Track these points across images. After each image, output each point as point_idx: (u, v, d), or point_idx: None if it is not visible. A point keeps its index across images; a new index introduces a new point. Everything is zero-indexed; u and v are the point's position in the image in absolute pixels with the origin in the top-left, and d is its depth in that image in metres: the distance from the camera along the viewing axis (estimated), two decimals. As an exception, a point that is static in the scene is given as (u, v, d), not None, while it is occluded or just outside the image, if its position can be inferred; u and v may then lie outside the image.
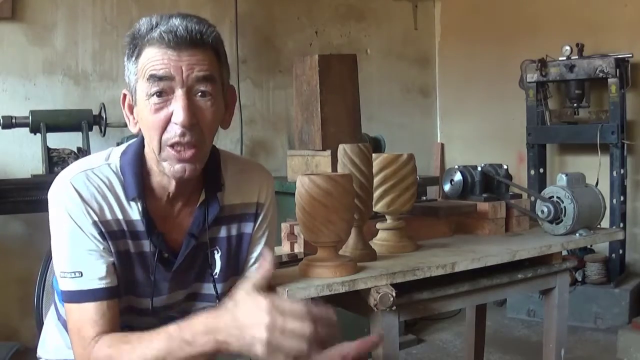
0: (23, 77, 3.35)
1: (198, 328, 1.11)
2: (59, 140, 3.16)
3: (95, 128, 3.25)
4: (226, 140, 3.95)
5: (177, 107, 1.19)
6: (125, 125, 1.40)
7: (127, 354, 1.16)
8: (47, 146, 3.06)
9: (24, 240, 3.17)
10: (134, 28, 1.23)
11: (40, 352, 1.48)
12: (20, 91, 3.34)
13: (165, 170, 1.24)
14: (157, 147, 1.23)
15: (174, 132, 1.20)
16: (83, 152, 3.11)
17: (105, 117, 3.22)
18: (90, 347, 1.21)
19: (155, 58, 1.19)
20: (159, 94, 1.20)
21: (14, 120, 3.07)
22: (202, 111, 1.22)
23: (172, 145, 1.21)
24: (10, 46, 3.31)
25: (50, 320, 1.47)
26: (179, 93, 1.19)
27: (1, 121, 3.04)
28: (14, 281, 3.19)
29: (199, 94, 1.21)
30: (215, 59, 1.24)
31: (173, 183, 1.29)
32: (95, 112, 3.24)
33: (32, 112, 3.10)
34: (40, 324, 1.61)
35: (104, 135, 3.26)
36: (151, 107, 1.20)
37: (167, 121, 1.20)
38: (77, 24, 3.49)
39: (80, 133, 3.16)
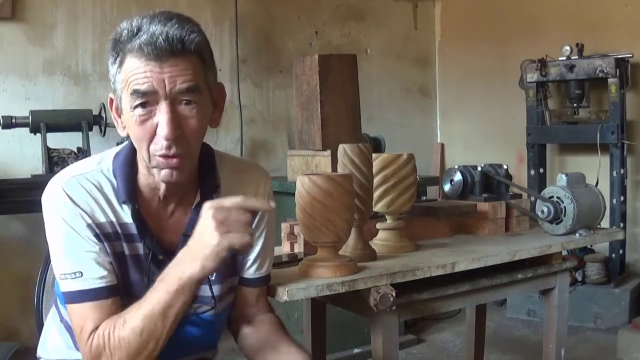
0: (23, 77, 3.35)
1: (169, 265, 1.21)
2: (59, 140, 3.16)
3: (95, 128, 3.24)
4: (226, 140, 3.95)
5: (162, 120, 1.19)
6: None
7: (128, 320, 1.21)
8: (47, 146, 3.05)
9: (24, 240, 3.17)
10: (116, 32, 1.22)
11: (40, 352, 1.48)
12: (20, 91, 3.34)
13: (155, 177, 1.26)
14: (146, 157, 1.24)
15: (160, 144, 1.21)
16: (83, 152, 3.11)
17: (105, 117, 3.22)
18: (90, 340, 1.22)
19: (137, 71, 1.18)
20: (143, 105, 1.19)
21: (14, 120, 3.07)
22: (187, 120, 1.22)
23: (159, 156, 1.22)
24: (10, 46, 3.31)
25: (50, 321, 1.47)
26: (163, 106, 1.19)
27: (1, 121, 3.04)
28: (14, 281, 3.18)
29: (184, 102, 1.21)
30: (199, 64, 1.22)
31: (163, 185, 1.30)
32: (95, 112, 3.24)
33: (32, 112, 3.10)
34: (40, 324, 1.61)
35: (104, 135, 3.25)
36: (136, 119, 1.21)
37: (153, 133, 1.21)
38: (77, 24, 3.49)
39: (80, 133, 3.16)
